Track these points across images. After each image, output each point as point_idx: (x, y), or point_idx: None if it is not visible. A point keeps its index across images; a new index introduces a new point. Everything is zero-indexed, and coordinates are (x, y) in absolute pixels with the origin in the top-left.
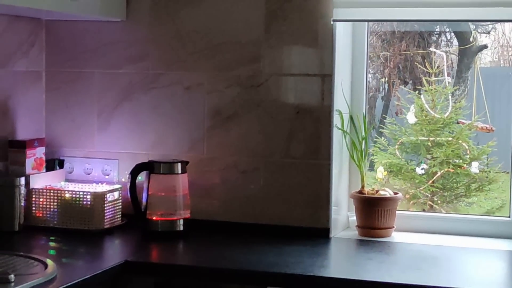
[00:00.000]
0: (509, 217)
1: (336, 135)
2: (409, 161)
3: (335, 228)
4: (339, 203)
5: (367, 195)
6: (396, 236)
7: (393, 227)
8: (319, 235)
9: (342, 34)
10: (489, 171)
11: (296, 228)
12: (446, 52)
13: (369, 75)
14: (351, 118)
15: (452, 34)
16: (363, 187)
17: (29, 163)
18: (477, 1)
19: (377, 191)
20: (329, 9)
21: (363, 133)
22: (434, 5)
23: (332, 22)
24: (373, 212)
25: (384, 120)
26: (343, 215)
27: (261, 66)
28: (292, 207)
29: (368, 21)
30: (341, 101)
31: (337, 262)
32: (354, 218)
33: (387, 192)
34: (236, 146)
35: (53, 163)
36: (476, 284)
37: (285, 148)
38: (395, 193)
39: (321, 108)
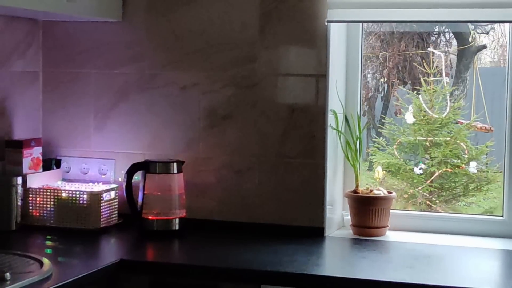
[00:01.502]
0: (503, 216)
1: (331, 135)
2: (407, 161)
3: (329, 227)
4: (334, 202)
5: (361, 195)
6: (390, 235)
7: (387, 226)
8: (313, 234)
9: (337, 34)
10: (488, 171)
11: (290, 227)
12: (445, 52)
13: (369, 75)
14: (346, 118)
15: (451, 34)
16: (357, 186)
17: (26, 162)
18: (475, 2)
19: (371, 191)
20: (323, 10)
21: (358, 133)
22: (428, 6)
23: (326, 23)
24: (367, 211)
25: (383, 120)
26: (337, 214)
27: (256, 66)
28: (287, 206)
29: (362, 21)
30: (335, 101)
31: (331, 261)
32: (349, 217)
33: (381, 192)
34: (231, 146)
35: (50, 163)
36: (469, 282)
37: (280, 148)
38: (389, 192)
39: (315, 108)
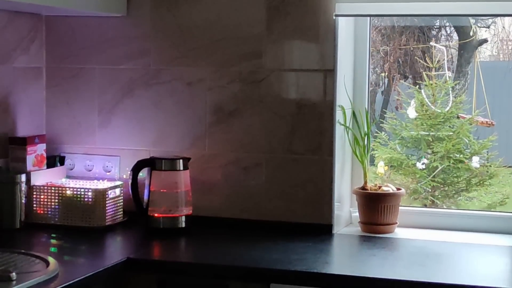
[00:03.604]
0: None
1: (339, 130)
2: (410, 156)
3: (337, 224)
4: (342, 199)
5: (369, 191)
6: (399, 232)
7: (396, 223)
8: (321, 231)
9: (344, 29)
10: (490, 166)
11: (298, 224)
12: (446, 46)
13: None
14: (353, 113)
15: (452, 28)
16: (365, 183)
17: (30, 160)
18: None
19: (379, 187)
20: (331, 4)
21: (366, 129)
22: None
23: (334, 17)
24: (375, 208)
25: (385, 115)
26: (345, 211)
27: (263, 61)
28: (294, 203)
29: (370, 16)
30: (343, 97)
31: (341, 259)
32: (357, 214)
33: (389, 188)
34: (238, 142)
35: (54, 160)
36: (479, 280)
37: (287, 144)
38: (398, 189)
39: (323, 104)
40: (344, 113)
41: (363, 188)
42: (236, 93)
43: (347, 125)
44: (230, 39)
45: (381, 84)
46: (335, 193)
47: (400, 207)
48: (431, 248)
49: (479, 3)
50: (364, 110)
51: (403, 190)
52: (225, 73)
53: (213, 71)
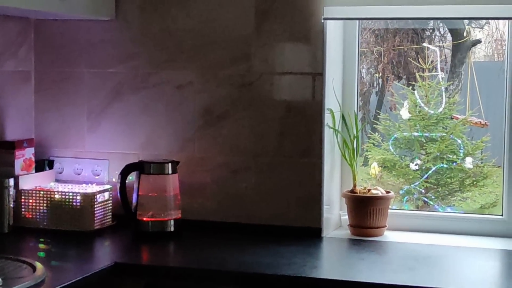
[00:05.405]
0: (502, 215)
1: (328, 134)
2: (403, 156)
3: (327, 227)
4: (331, 202)
5: (359, 194)
6: (388, 235)
7: (385, 226)
8: (311, 234)
9: (333, 32)
10: (483, 166)
11: (287, 228)
12: (439, 47)
13: (363, 71)
14: (343, 116)
15: (446, 29)
16: (355, 186)
17: (18, 163)
18: None
19: (369, 190)
20: (319, 7)
21: (355, 132)
22: (425, 2)
23: (322, 20)
24: (365, 211)
25: (378, 116)
26: (335, 214)
27: (251, 64)
28: (283, 207)
29: (359, 19)
30: (332, 100)
31: (329, 263)
32: (346, 217)
33: (379, 191)
34: (227, 145)
35: (42, 164)
36: (469, 284)
37: (276, 147)
38: (387, 192)
39: (312, 107)
40: (333, 116)
41: (352, 191)
42: (225, 96)
43: (336, 128)
44: (219, 43)
45: (375, 85)
46: (324, 196)
47: (389, 210)
48: (421, 251)
49: (470, 6)
50: (353, 113)
51: (392, 193)
52: (214, 77)
53: (202, 74)
